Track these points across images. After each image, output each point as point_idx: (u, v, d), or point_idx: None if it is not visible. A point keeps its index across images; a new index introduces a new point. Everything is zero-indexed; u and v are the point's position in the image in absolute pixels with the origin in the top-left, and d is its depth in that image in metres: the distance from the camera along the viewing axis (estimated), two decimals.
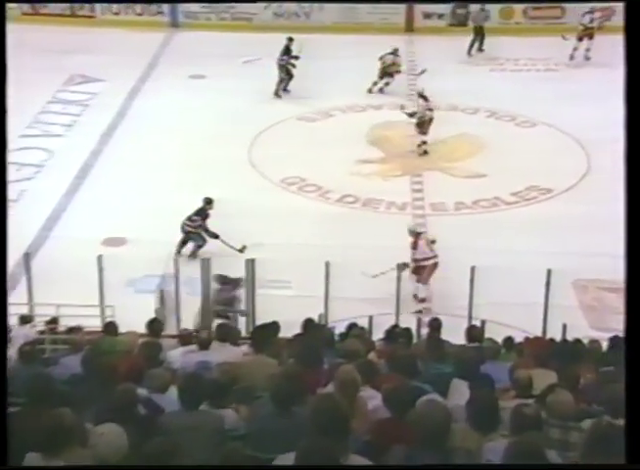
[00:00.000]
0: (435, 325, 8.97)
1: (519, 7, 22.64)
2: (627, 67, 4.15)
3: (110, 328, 8.21)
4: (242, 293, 11.03)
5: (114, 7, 23.11)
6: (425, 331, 9.51)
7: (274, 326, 7.96)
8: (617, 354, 7.08)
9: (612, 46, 20.25)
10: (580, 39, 20.29)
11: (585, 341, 8.17)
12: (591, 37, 20.18)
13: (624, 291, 4.01)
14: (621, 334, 8.98)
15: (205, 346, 7.11)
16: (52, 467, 4.08)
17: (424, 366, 6.50)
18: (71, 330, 9.53)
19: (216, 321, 9.34)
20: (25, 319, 9.81)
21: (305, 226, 13.44)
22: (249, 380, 5.93)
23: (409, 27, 22.91)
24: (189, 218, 12.88)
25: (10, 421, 3.99)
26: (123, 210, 14.05)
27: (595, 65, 19.87)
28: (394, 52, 18.80)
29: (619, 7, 20.40)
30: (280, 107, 18.11)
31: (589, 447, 4.16)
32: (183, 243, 12.89)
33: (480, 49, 21.19)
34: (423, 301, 11.74)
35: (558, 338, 9.04)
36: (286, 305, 10.47)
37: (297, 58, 18.59)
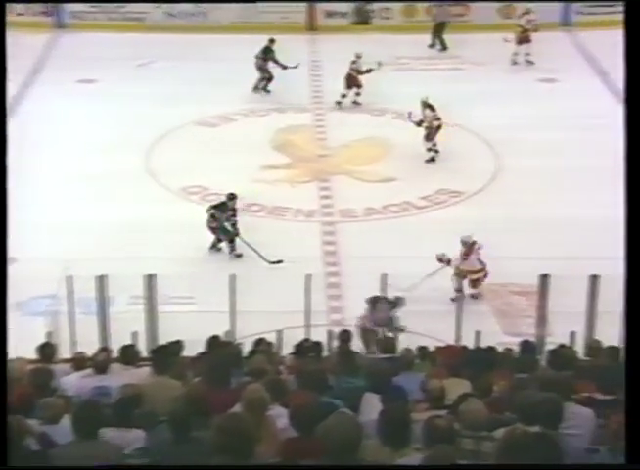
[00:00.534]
0: (346, 337, 9.05)
1: (422, 5, 23.08)
2: (627, 67, 4.18)
3: None
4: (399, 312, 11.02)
5: None
6: (335, 343, 9.59)
7: (177, 345, 7.91)
8: (528, 360, 7.31)
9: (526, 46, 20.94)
10: (520, 43, 20.76)
11: (499, 347, 8.39)
12: (528, 40, 20.68)
13: (624, 292, 4.02)
14: (532, 338, 9.33)
15: (101, 370, 7.01)
16: (52, 467, 4.08)
17: (335, 380, 6.56)
18: None
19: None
20: None
21: (209, 238, 13.39)
22: (150, 404, 5.89)
23: (311, 26, 23.11)
24: (212, 215, 13.27)
25: None
26: (11, 226, 13.70)
27: (503, 64, 20.44)
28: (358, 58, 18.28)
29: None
30: (178, 111, 17.99)
31: (502, 457, 4.28)
32: (218, 241, 13.38)
33: (444, 48, 21.72)
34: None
35: (471, 345, 9.25)
36: (190, 323, 10.42)
37: (276, 61, 18.77)
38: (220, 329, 9.58)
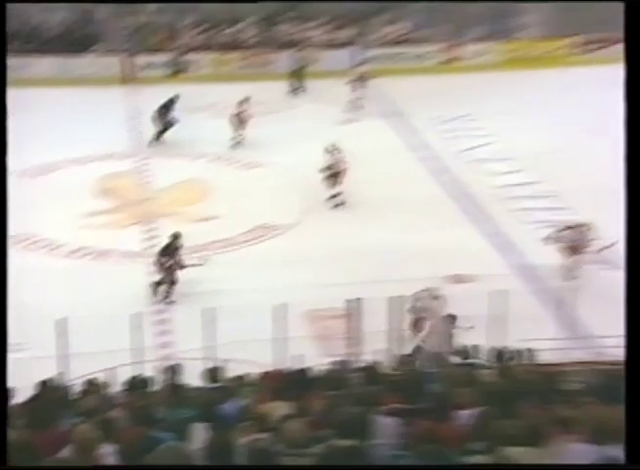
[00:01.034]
0: (175, 370, 8.93)
1: (234, 56, 23.50)
2: (627, 67, 4.11)
3: None
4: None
5: None
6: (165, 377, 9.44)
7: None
8: (342, 378, 7.46)
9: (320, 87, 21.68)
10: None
11: (318, 368, 8.50)
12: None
13: (624, 296, 4.06)
14: (347, 357, 9.54)
15: None
16: (52, 467, 4.15)
17: (164, 413, 6.47)
18: None
19: None
20: None
21: (36, 284, 12.89)
22: None
23: (126, 78, 22.90)
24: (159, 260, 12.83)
25: None
26: None
27: (313, 101, 20.99)
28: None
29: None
30: None
31: None
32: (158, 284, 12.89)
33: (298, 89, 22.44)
34: None
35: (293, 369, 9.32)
36: (21, 369, 9.96)
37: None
38: (51, 372, 9.24)
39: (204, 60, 23.94)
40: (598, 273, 13.15)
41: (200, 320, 10.65)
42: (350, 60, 23.85)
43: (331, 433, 5.26)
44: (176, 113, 18.99)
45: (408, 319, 10.89)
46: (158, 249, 13.45)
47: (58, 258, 14.33)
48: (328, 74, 22.82)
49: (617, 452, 4.41)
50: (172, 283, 12.98)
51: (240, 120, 18.82)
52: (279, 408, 6.47)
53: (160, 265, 12.92)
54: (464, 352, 9.61)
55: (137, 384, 8.16)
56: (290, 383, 7.39)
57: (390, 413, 5.59)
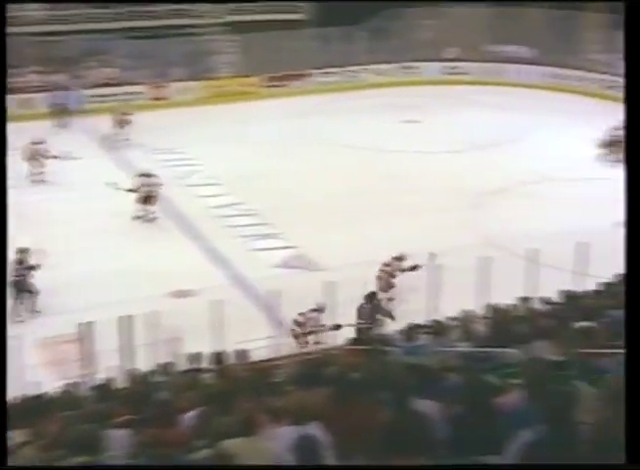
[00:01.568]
0: None
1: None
2: (627, 67, 3.88)
3: None
4: None
5: None
6: None
7: None
8: (78, 399, 7.21)
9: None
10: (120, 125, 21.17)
11: (53, 392, 8.15)
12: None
13: (624, 297, 3.97)
14: (81, 378, 9.24)
15: None
16: (52, 467, 3.83)
17: None
18: None
19: None
20: None
21: None
22: None
23: None
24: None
25: None
26: None
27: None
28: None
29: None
30: None
31: None
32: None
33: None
34: None
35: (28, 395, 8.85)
36: None
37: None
38: None
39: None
40: (297, 276, 13.90)
41: None
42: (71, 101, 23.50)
43: (64, 453, 5.08)
44: None
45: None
46: None
47: None
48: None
49: (314, 431, 4.69)
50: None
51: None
52: (18, 436, 6.13)
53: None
54: (190, 359, 9.65)
55: None
56: (25, 410, 7.01)
57: (121, 426, 5.51)
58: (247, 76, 27.05)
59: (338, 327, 11.21)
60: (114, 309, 11.16)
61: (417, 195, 17.83)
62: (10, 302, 12.26)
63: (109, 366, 9.51)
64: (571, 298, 8.78)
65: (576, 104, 25.40)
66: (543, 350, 6.50)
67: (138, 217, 16.63)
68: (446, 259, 12.23)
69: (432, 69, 28.71)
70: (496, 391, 5.23)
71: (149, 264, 14.41)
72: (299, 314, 11.58)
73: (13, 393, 9.00)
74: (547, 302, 9.37)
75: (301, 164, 20.11)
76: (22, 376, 9.88)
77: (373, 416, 4.67)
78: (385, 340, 8.30)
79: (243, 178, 18.79)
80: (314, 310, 11.50)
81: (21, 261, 12.72)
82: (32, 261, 12.83)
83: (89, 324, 10.28)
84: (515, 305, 9.32)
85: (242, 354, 8.44)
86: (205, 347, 9.88)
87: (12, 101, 20.39)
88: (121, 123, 21.77)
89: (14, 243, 13.51)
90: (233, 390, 6.09)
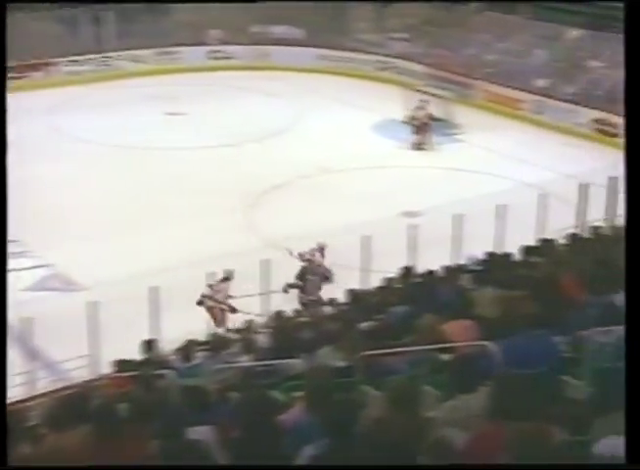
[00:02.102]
0: None
1: None
2: (627, 66, 4.11)
3: None
4: None
5: None
6: None
7: None
8: None
9: None
10: None
11: None
12: None
13: (625, 294, 3.95)
14: None
15: None
16: (52, 467, 4.07)
17: None
18: None
19: None
20: None
21: None
22: None
23: None
24: None
25: None
26: None
27: None
28: None
29: None
30: None
31: None
32: None
33: None
34: None
35: None
36: None
37: None
38: None
39: None
40: (54, 299, 13.41)
41: None
42: None
43: None
44: None
45: None
46: None
47: None
48: None
49: None
50: None
51: None
52: None
53: None
54: None
55: None
56: None
57: None
58: None
59: (234, 310, 12.07)
60: None
61: (192, 196, 17.81)
62: None
63: None
64: (356, 297, 9.15)
65: (350, 87, 26.46)
66: (328, 356, 6.73)
67: None
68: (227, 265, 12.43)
69: (194, 54, 28.70)
70: (281, 407, 5.34)
71: None
72: (208, 286, 12.18)
73: None
74: (333, 303, 9.72)
75: (55, 170, 19.38)
76: None
77: (141, 451, 4.61)
78: (157, 362, 8.20)
79: None
80: (224, 279, 12.27)
81: None
82: None
83: None
84: (299, 311, 9.59)
85: None
86: None
87: None
88: None
89: None
90: None
